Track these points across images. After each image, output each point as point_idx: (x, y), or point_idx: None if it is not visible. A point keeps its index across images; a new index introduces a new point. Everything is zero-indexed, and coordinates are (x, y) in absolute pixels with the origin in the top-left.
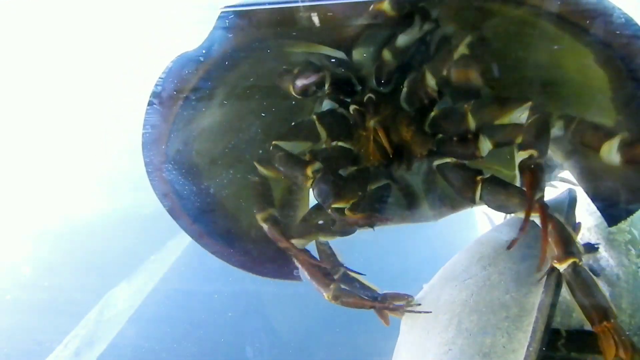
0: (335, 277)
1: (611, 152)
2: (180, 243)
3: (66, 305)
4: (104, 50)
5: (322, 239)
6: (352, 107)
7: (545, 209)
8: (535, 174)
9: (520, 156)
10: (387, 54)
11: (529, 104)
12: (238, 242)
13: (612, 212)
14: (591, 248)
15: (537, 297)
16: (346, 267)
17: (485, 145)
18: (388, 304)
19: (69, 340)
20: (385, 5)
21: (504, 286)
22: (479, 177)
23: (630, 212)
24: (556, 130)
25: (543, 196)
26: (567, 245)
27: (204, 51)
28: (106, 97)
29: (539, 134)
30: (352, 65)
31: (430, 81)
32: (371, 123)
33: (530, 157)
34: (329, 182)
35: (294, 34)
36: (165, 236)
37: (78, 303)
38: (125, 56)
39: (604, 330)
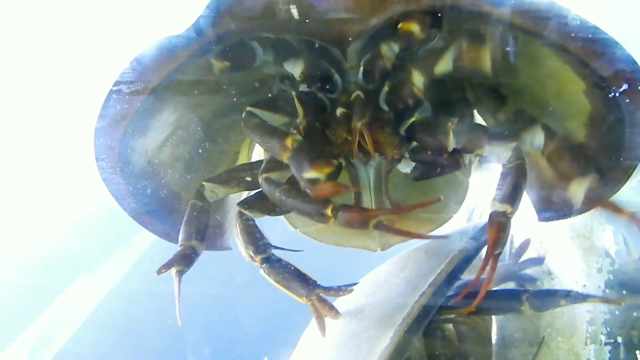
0: (257, 260)
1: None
2: (144, 239)
3: (22, 302)
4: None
5: (248, 213)
6: (339, 110)
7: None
8: (503, 231)
9: (493, 207)
10: (386, 50)
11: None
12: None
13: (544, 212)
14: (537, 261)
15: (386, 342)
16: (277, 247)
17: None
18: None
19: (24, 338)
20: (414, 28)
21: (367, 323)
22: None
23: (561, 217)
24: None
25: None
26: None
27: (190, 37)
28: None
29: (517, 182)
30: (340, 59)
31: (418, 80)
32: (358, 125)
33: (504, 212)
34: (305, 150)
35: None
36: (130, 231)
37: (35, 299)
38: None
39: None
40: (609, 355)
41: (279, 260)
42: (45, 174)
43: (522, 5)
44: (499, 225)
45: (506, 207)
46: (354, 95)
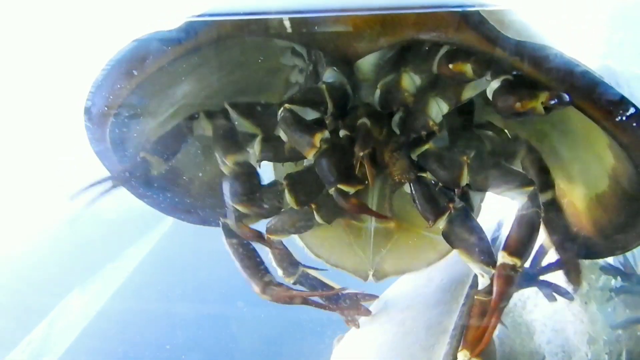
0: (293, 279)
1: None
2: (139, 251)
3: (13, 316)
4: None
5: (273, 237)
6: (342, 133)
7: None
8: (511, 285)
9: (503, 258)
10: (407, 82)
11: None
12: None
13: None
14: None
15: (443, 348)
16: (305, 265)
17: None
18: (342, 304)
19: (15, 355)
20: (467, 68)
21: (415, 334)
22: (451, 205)
23: (580, 259)
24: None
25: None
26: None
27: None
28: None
29: (530, 234)
30: (351, 78)
31: (436, 110)
32: (360, 154)
33: (514, 266)
34: (337, 157)
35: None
36: (125, 243)
37: (27, 313)
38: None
39: None
40: None
41: (308, 276)
42: (34, 186)
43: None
44: (507, 278)
45: (516, 261)
46: (359, 122)
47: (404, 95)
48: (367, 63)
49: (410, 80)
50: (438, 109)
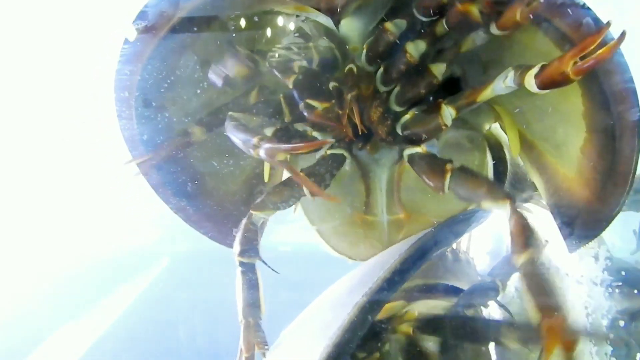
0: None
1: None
2: (133, 288)
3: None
4: None
5: (259, 214)
6: (331, 84)
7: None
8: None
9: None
10: (390, 26)
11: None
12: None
13: (572, 238)
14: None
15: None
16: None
17: (448, 112)
18: None
19: None
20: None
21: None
22: (448, 166)
23: (588, 239)
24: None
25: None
26: (528, 238)
27: None
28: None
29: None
30: (338, 37)
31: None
32: (348, 97)
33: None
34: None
35: None
36: (120, 280)
37: (18, 346)
38: None
39: (551, 326)
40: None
41: (254, 270)
42: (35, 218)
43: None
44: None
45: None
46: (346, 68)
47: (388, 37)
48: (353, 31)
49: (393, 25)
50: (415, 49)
